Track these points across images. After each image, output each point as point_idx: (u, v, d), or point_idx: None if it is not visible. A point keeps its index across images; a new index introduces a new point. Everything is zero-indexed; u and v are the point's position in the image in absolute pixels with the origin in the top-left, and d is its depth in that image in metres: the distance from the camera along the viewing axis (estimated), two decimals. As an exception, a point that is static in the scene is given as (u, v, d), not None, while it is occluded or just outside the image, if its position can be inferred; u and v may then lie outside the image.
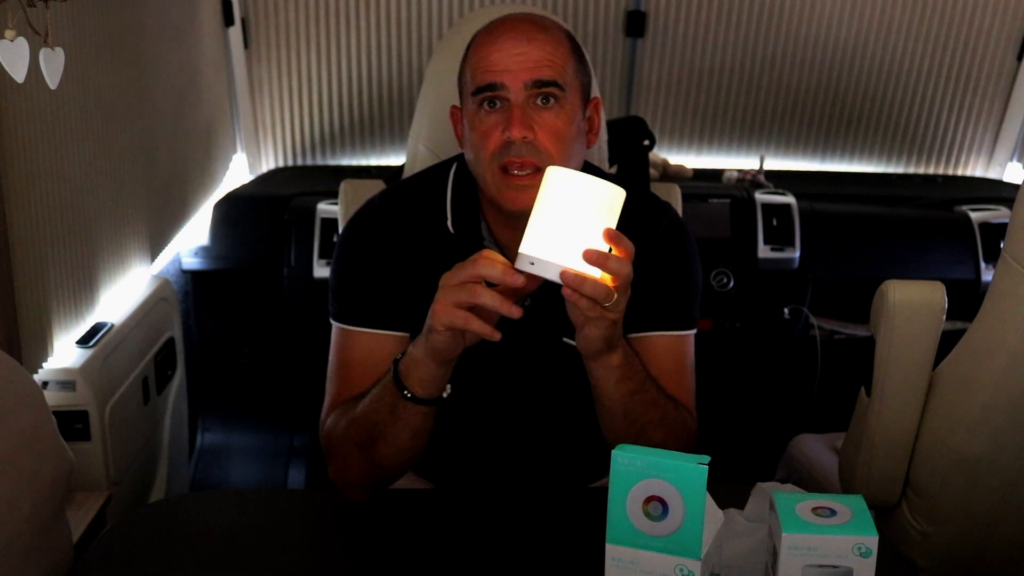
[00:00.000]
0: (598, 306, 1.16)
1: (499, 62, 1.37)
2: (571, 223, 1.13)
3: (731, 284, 2.65)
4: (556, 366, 1.51)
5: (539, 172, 1.33)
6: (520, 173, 1.35)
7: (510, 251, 1.28)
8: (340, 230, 1.59)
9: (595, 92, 1.52)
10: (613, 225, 1.15)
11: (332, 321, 1.48)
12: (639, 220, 1.37)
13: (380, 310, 1.44)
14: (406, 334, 1.44)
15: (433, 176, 1.52)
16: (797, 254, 2.64)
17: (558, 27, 1.43)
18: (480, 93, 1.37)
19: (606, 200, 1.14)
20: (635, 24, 2.90)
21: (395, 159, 3.05)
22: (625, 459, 0.99)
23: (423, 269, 1.40)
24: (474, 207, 1.47)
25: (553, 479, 1.57)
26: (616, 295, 1.16)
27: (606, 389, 1.32)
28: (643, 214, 1.46)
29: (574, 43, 1.43)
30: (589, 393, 1.45)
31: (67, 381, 1.66)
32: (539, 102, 1.36)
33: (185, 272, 2.61)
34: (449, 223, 1.46)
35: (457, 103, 1.46)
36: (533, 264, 1.13)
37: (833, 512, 1.02)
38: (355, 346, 1.45)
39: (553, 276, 1.13)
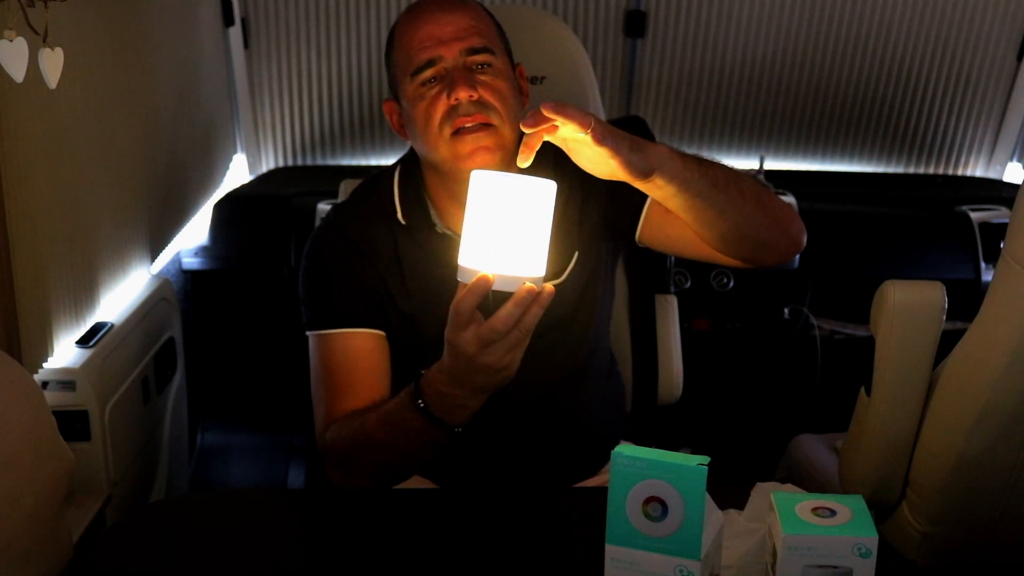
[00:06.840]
0: (600, 142, 1.19)
1: (429, 37, 1.40)
2: (505, 229, 1.11)
3: (731, 284, 2.64)
4: (554, 363, 1.51)
5: (490, 128, 1.38)
6: (471, 127, 1.37)
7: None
8: None
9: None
10: (548, 224, 1.13)
11: (308, 332, 1.50)
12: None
13: (352, 308, 1.48)
14: (381, 332, 1.48)
15: (379, 180, 1.57)
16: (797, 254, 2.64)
17: None
18: (419, 73, 1.41)
19: (536, 199, 1.12)
20: (635, 24, 2.90)
21: (395, 159, 3.04)
22: (625, 459, 0.99)
23: (383, 264, 1.49)
24: (421, 197, 1.51)
25: (552, 475, 1.57)
26: (593, 121, 1.18)
27: (701, 189, 1.31)
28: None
29: (488, 11, 1.48)
30: (585, 389, 1.44)
31: (67, 381, 1.65)
32: (475, 67, 1.40)
33: (185, 272, 2.61)
34: (399, 215, 1.51)
35: None
36: (473, 276, 1.12)
37: (833, 512, 1.02)
38: (334, 349, 1.47)
39: (508, 286, 1.12)
